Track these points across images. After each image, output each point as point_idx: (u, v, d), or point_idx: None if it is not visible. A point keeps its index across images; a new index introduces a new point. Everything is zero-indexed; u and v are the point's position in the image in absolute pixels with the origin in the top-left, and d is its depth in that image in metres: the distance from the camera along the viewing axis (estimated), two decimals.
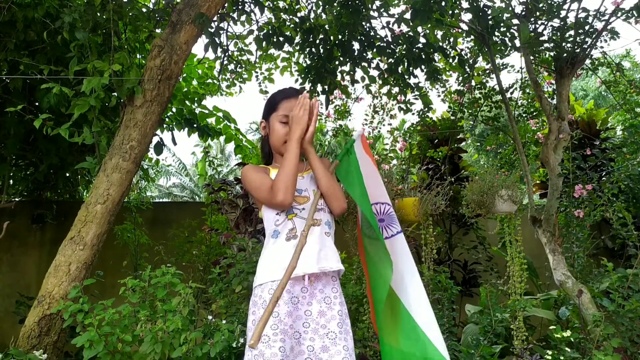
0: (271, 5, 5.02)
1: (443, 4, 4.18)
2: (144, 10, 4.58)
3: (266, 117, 2.03)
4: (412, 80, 4.96)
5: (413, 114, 5.46)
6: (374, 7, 4.75)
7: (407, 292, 2.00)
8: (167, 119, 5.56)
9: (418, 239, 4.88)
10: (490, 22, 4.22)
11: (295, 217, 1.85)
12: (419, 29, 4.77)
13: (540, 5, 4.06)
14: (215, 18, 4.20)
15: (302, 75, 5.07)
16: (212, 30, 4.19)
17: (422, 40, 4.77)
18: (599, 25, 3.98)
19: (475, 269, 5.60)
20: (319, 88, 5.00)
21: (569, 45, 4.06)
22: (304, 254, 1.74)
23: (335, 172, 1.97)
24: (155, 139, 4.72)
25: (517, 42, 4.29)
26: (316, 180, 1.90)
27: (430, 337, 1.94)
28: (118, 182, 3.47)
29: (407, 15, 4.37)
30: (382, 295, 1.93)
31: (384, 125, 6.06)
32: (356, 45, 4.86)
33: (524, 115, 5.64)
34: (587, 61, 4.51)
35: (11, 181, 5.84)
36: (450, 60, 5.17)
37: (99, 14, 3.76)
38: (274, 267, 1.80)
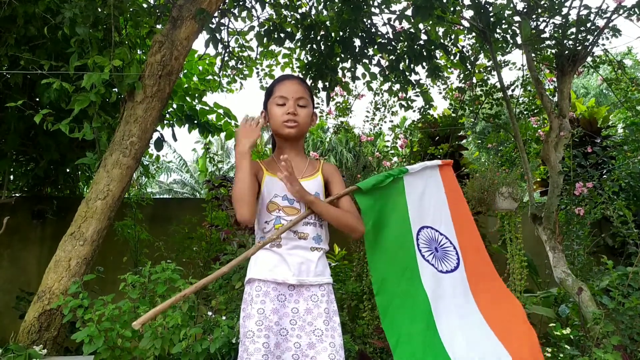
0: (272, 1, 5.01)
1: (444, 0, 4.17)
2: (145, 5, 4.57)
3: (265, 105, 2.03)
4: (413, 77, 4.96)
5: (414, 111, 5.45)
6: (375, 3, 4.74)
7: (449, 334, 1.92)
8: (167, 115, 5.55)
9: None
10: (491, 19, 4.21)
11: (283, 227, 1.84)
12: (420, 25, 4.76)
13: (542, 2, 4.05)
14: (216, 14, 4.19)
15: (303, 72, 5.06)
16: (213, 26, 4.18)
17: (424, 37, 4.77)
18: (600, 22, 3.97)
19: None
20: (320, 85, 4.99)
21: (570, 42, 4.05)
22: (288, 263, 1.81)
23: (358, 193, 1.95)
24: (155, 135, 4.72)
25: (519, 39, 4.28)
26: (325, 219, 1.89)
27: None
28: (118, 177, 3.47)
29: (409, 12, 4.36)
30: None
31: (385, 122, 6.06)
32: (357, 42, 4.85)
33: (525, 112, 5.64)
34: (589, 59, 4.50)
35: (11, 177, 5.83)
36: (452, 57, 5.15)
37: (99, 10, 3.74)
38: (260, 267, 1.84)
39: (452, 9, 4.54)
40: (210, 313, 3.15)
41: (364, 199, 1.92)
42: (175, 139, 5.55)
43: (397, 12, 4.63)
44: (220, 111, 5.75)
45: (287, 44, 5.03)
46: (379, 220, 1.94)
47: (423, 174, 2.09)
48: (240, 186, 1.79)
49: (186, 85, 5.72)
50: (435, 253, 2.02)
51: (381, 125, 6.09)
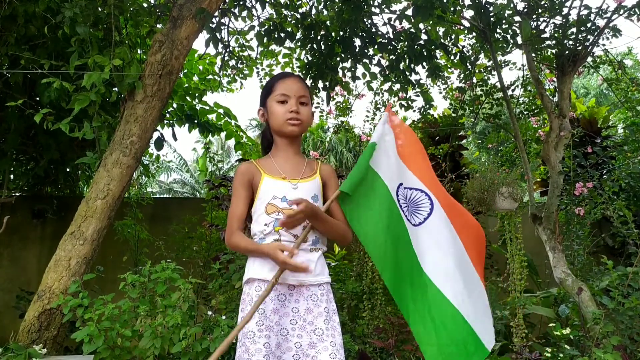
0: (272, 1, 5.01)
1: (445, 0, 4.17)
2: (145, 5, 4.57)
3: (263, 102, 2.00)
4: (414, 77, 4.96)
5: (414, 110, 5.45)
6: (376, 3, 4.74)
7: (444, 279, 1.92)
8: (167, 115, 5.55)
9: None
10: (492, 19, 4.21)
11: (282, 230, 1.82)
12: (421, 25, 4.76)
13: (542, 2, 4.06)
14: (216, 13, 4.19)
15: (303, 72, 5.06)
16: (213, 26, 4.18)
17: (424, 37, 4.77)
18: (601, 22, 3.97)
19: None
20: (320, 84, 4.99)
21: (570, 42, 4.05)
22: None
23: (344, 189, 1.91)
24: (155, 135, 4.73)
25: (519, 39, 4.28)
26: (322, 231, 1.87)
27: (475, 327, 1.90)
28: (118, 177, 3.47)
29: (409, 12, 4.36)
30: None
31: None
32: (357, 42, 4.85)
33: (525, 112, 5.64)
34: (589, 59, 4.50)
35: (12, 176, 5.83)
36: (452, 57, 5.15)
37: (99, 9, 3.75)
38: (260, 267, 1.82)
39: (452, 8, 4.54)
40: (210, 312, 3.15)
41: (348, 206, 1.89)
42: (175, 139, 5.56)
43: (398, 12, 4.63)
44: (221, 111, 5.75)
45: (288, 43, 5.03)
46: (364, 212, 1.92)
47: (383, 135, 2.03)
48: (245, 253, 1.92)
49: (186, 85, 5.72)
50: (410, 207, 2.00)
51: None
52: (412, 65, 4.78)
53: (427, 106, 5.33)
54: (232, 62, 5.65)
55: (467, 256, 2.01)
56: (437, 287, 1.90)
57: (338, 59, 4.98)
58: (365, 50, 4.88)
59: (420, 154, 2.09)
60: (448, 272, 1.93)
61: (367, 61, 4.94)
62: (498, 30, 4.33)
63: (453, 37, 5.16)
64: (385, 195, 1.93)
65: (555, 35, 4.12)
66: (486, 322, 1.98)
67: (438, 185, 2.07)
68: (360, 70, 5.04)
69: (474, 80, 5.48)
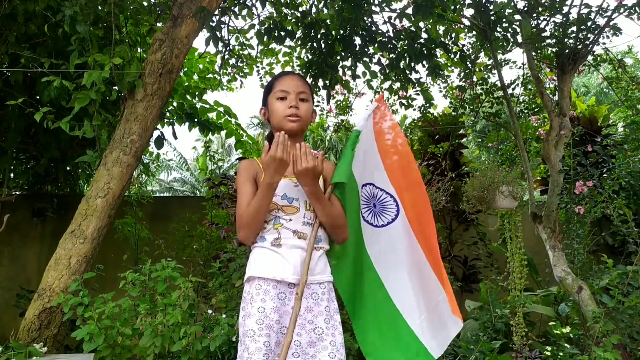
0: (272, 0, 5.01)
1: None
2: (145, 3, 4.57)
3: (265, 102, 2.01)
4: (414, 76, 4.96)
5: (414, 109, 5.45)
6: (376, 2, 4.74)
7: (395, 287, 1.97)
8: (167, 113, 5.55)
9: None
10: (492, 17, 4.21)
11: (281, 227, 1.82)
12: (421, 24, 4.76)
13: (543, 0, 4.05)
14: (216, 12, 4.18)
15: (304, 70, 5.06)
16: (213, 25, 4.18)
17: (424, 35, 4.77)
18: (601, 21, 3.97)
19: (476, 265, 5.60)
20: (320, 83, 4.99)
21: (571, 41, 4.04)
22: (288, 261, 1.80)
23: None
24: (156, 133, 4.73)
25: (519, 38, 4.28)
26: (315, 212, 1.86)
27: (419, 335, 1.92)
28: (119, 175, 3.47)
29: (409, 10, 4.36)
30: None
31: None
32: (358, 40, 4.85)
33: (525, 111, 5.63)
34: (589, 57, 4.49)
35: (12, 174, 5.83)
36: (452, 56, 5.15)
37: (100, 7, 3.75)
38: (260, 265, 1.82)
39: (452, 7, 4.53)
40: (210, 311, 3.15)
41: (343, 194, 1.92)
42: (175, 137, 5.57)
43: (398, 11, 4.63)
44: (221, 109, 5.74)
45: (288, 42, 5.03)
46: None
47: (365, 127, 2.04)
48: (257, 218, 1.79)
49: (186, 84, 5.72)
50: (373, 209, 2.01)
51: None
52: (412, 64, 4.78)
53: (427, 105, 5.33)
54: (232, 61, 5.66)
55: (428, 266, 2.00)
56: (387, 290, 1.95)
57: (338, 57, 4.98)
58: (366, 49, 4.88)
59: (399, 156, 2.08)
60: (401, 280, 1.97)
61: (367, 60, 4.94)
62: (498, 29, 4.32)
63: (453, 35, 5.16)
64: (354, 189, 1.98)
65: (556, 33, 4.11)
66: (440, 330, 1.97)
67: (411, 192, 2.06)
68: (360, 68, 5.05)
69: (474, 78, 5.47)
